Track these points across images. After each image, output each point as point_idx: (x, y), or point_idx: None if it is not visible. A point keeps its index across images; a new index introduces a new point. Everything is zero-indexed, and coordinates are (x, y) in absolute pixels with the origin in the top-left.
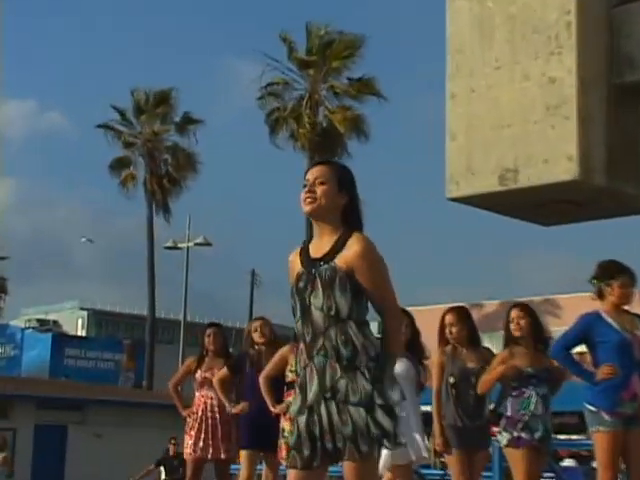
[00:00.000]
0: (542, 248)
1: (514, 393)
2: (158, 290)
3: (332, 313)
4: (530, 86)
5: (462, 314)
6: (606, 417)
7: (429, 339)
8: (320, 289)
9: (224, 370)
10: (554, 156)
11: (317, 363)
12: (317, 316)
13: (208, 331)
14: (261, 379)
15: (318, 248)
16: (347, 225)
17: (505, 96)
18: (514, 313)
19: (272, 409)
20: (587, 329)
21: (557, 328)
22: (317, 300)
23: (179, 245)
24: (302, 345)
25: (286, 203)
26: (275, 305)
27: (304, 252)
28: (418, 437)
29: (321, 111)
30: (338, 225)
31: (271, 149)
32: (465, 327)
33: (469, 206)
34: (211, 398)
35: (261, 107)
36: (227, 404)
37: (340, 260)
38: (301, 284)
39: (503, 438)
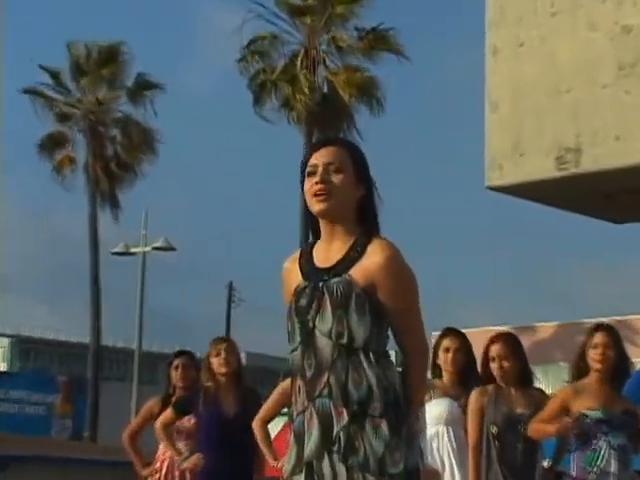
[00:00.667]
0: (611, 254)
1: (579, 444)
2: (105, 310)
3: (343, 341)
4: (597, 38)
5: (514, 345)
6: None
7: None
8: (329, 309)
9: (168, 412)
10: (629, 131)
11: (319, 406)
12: (323, 344)
13: (176, 362)
14: (256, 424)
15: (326, 255)
16: (364, 226)
17: (564, 51)
18: (600, 338)
19: (271, 463)
20: None
21: (637, 359)
22: (324, 324)
23: (132, 250)
24: (299, 382)
25: (275, 194)
26: (259, 329)
27: (306, 259)
28: None
29: (321, 72)
30: (353, 226)
31: (256, 122)
32: (517, 362)
33: (515, 197)
34: (181, 453)
35: (243, 68)
36: (176, 457)
37: (357, 272)
38: (302, 301)
39: None
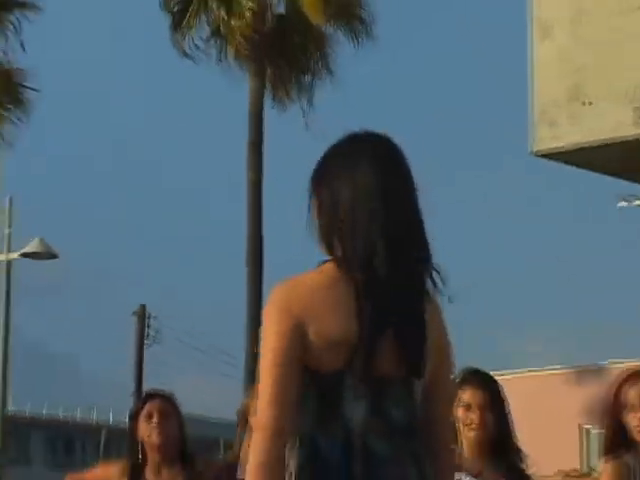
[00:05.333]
0: None
1: None
2: None
3: None
4: None
5: None
6: None
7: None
8: None
9: None
10: None
11: None
12: None
13: (148, 408)
14: None
15: None
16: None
17: None
18: None
19: None
20: None
21: None
22: None
23: None
24: None
25: (210, 162)
26: (187, 380)
27: None
28: None
29: None
30: None
31: (176, 61)
32: None
33: (576, 167)
34: None
35: None
36: None
37: None
38: None
39: None
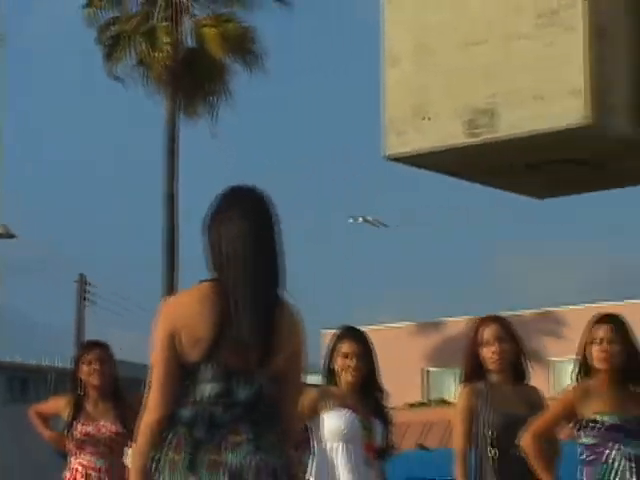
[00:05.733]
0: (533, 237)
1: (589, 455)
2: None
3: None
4: None
5: (510, 327)
6: None
7: None
8: None
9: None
10: (551, 90)
11: None
12: None
13: (89, 356)
14: None
15: None
16: None
17: None
18: (603, 332)
19: None
20: None
21: (560, 358)
22: None
23: None
24: None
25: (134, 168)
26: (118, 333)
27: None
28: None
29: (187, 23)
30: None
31: (108, 83)
32: (514, 350)
33: (419, 168)
34: (98, 469)
35: (89, 18)
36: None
37: None
38: None
39: None
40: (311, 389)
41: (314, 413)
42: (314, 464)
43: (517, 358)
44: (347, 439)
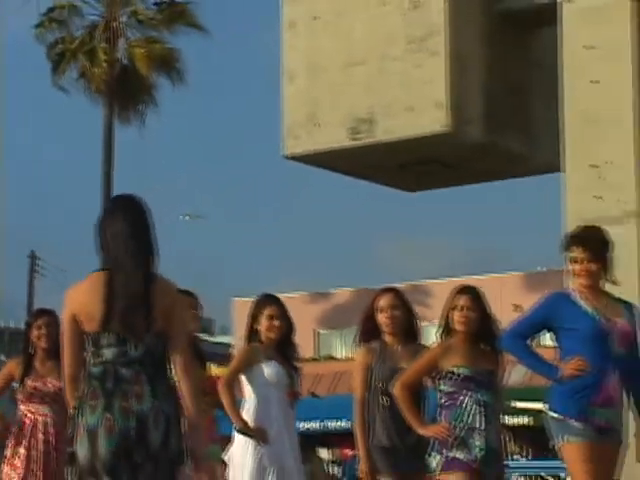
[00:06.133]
0: (406, 223)
1: (446, 400)
2: None
3: None
4: (388, 12)
5: (403, 297)
6: (575, 425)
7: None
8: None
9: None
10: (419, 103)
11: None
12: None
13: (39, 321)
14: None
15: None
16: None
17: (358, 26)
18: (464, 301)
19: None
20: (551, 312)
21: (426, 323)
22: None
23: None
24: None
25: (76, 161)
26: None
27: None
28: (291, 463)
29: (122, 45)
30: None
31: (54, 93)
32: (406, 312)
33: (311, 166)
34: (45, 415)
35: (40, 37)
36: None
37: None
38: None
39: (432, 461)
40: (243, 346)
41: (248, 365)
42: (251, 407)
43: (409, 323)
44: (277, 386)
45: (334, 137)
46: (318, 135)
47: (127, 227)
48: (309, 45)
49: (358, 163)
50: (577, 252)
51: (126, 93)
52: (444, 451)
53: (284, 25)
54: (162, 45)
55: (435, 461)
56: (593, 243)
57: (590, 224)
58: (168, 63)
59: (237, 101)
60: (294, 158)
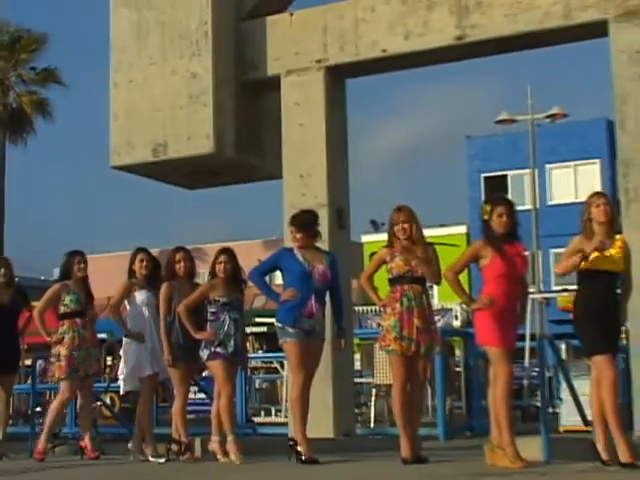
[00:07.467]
0: (193, 207)
1: (212, 318)
2: None
3: None
4: (177, 79)
5: (234, 255)
6: (290, 330)
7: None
8: None
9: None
10: (195, 134)
11: None
12: None
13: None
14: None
15: None
16: None
17: (157, 86)
18: (223, 258)
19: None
20: (278, 260)
21: (204, 270)
22: None
23: None
24: None
25: None
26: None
27: None
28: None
29: (12, 94)
30: None
31: None
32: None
33: (130, 173)
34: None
35: None
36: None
37: None
38: None
39: (204, 354)
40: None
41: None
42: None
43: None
44: (149, 305)
45: (142, 155)
46: (133, 153)
47: None
48: (126, 97)
49: (158, 172)
50: (293, 229)
51: (15, 126)
52: (211, 348)
53: (112, 85)
54: (39, 95)
55: (205, 354)
56: (304, 221)
57: (301, 210)
58: (43, 107)
59: (85, 129)
60: (118, 168)
